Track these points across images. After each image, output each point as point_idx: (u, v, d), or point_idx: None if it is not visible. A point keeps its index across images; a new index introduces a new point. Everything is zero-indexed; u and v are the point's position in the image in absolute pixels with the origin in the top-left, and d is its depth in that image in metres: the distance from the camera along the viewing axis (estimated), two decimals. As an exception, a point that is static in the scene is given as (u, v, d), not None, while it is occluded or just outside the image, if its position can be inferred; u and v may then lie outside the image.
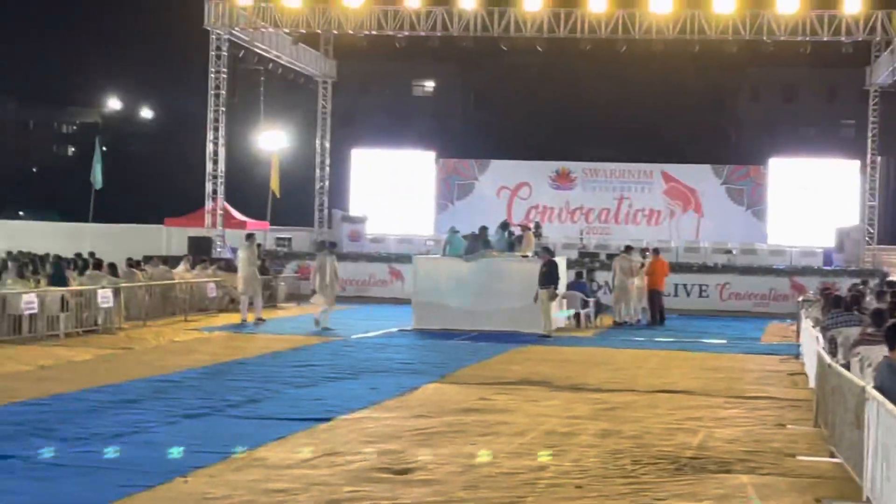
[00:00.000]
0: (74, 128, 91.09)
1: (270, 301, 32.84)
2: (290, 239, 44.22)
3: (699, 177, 47.35)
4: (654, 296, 31.18)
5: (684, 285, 37.49)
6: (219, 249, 41.74)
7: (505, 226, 31.25)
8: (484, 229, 29.10)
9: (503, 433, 13.50)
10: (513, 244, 29.78)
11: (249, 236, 30.38)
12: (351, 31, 41.52)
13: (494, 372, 19.77)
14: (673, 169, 48.07)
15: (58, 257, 29.96)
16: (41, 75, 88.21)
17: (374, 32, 41.08)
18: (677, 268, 35.80)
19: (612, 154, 56.02)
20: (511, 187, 47.95)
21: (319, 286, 26.85)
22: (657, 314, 30.95)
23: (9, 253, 33.61)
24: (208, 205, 43.62)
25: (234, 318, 29.07)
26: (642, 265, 31.38)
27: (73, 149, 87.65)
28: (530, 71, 63.29)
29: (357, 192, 49.08)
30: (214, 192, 43.35)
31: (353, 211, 47.32)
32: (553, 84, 67.44)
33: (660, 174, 47.36)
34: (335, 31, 42.85)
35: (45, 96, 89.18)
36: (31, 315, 22.65)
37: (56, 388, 16.19)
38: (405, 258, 36.39)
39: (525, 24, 39.02)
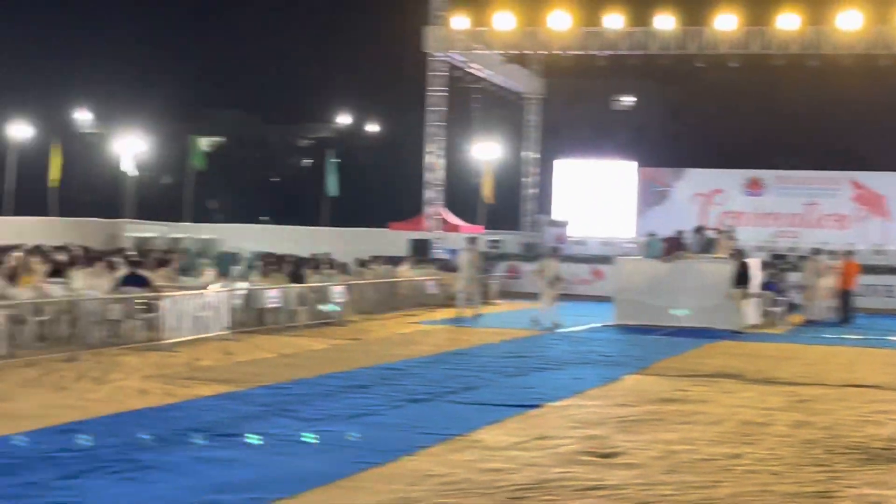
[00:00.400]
0: (310, 142, 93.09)
1: (484, 298, 33.02)
2: (500, 241, 44.49)
3: (888, 184, 45.99)
4: (845, 295, 30.34)
5: (871, 286, 36.31)
6: (437, 250, 42.22)
7: (700, 229, 30.91)
8: (680, 233, 28.98)
9: (700, 422, 13.27)
10: (707, 246, 29.36)
11: (472, 239, 30.72)
12: (558, 52, 41.63)
13: (690, 365, 19.48)
14: (862, 176, 46.77)
15: (296, 257, 30.71)
16: (281, 97, 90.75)
17: (579, 52, 41.11)
18: (865, 269, 34.73)
19: (802, 162, 54.52)
20: (705, 193, 47.41)
21: (543, 286, 26.85)
22: (846, 313, 30.10)
23: (254, 253, 34.61)
24: (427, 210, 44.36)
25: (451, 313, 29.22)
26: (831, 267, 30.61)
27: (308, 161, 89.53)
28: (724, 85, 62.06)
29: (560, 198, 49.21)
30: (433, 198, 44.03)
31: (557, 216, 47.45)
32: (745, 97, 66.23)
33: (847, 182, 46.19)
34: (543, 52, 42.95)
35: (284, 116, 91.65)
36: (273, 308, 23.29)
37: (296, 373, 16.58)
38: (606, 259, 36.23)
39: (719, 42, 38.48)
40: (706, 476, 10.18)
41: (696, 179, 48.33)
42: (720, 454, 11.24)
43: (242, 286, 23.42)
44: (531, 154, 50.68)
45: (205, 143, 62.90)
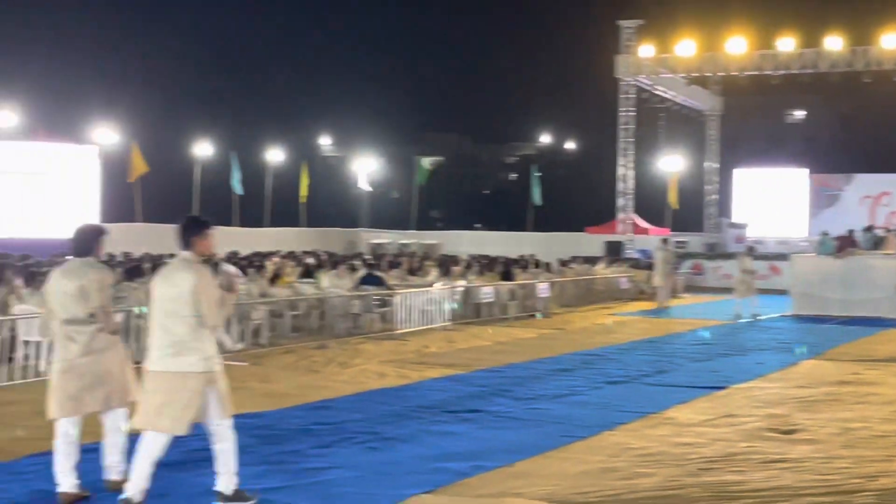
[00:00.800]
0: (515, 159, 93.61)
1: (673, 292, 32.49)
2: (686, 241, 43.93)
3: None
4: None
5: None
6: (628, 251, 41.95)
7: (869, 228, 29.87)
8: (851, 232, 28.07)
9: (874, 402, 12.73)
10: (876, 244, 28.38)
11: (664, 240, 30.37)
12: (735, 73, 40.88)
13: (863, 351, 18.69)
14: None
15: (506, 258, 30.87)
16: (491, 122, 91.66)
17: (754, 73, 40.34)
18: None
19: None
20: (873, 196, 45.58)
21: (740, 280, 26.26)
22: None
23: (471, 256, 34.93)
24: (619, 216, 44.21)
25: (642, 306, 29.00)
26: None
27: (514, 175, 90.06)
28: (890, 97, 59.45)
29: (739, 203, 48.34)
30: (624, 205, 43.84)
31: (736, 218, 46.66)
32: (911, 108, 63.40)
33: None
34: (722, 73, 42.23)
35: (494, 137, 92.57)
36: (488, 303, 23.47)
37: (509, 359, 16.65)
38: (783, 257, 35.28)
39: (885, 59, 37.03)
40: (881, 451, 9.78)
41: (865, 183, 46.51)
42: (894, 431, 10.78)
43: (461, 284, 23.67)
44: (712, 164, 50.13)
45: (427, 162, 63.78)
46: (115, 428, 7.97)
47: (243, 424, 8.05)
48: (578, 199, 65.86)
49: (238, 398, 8.75)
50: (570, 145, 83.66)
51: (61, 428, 7.77)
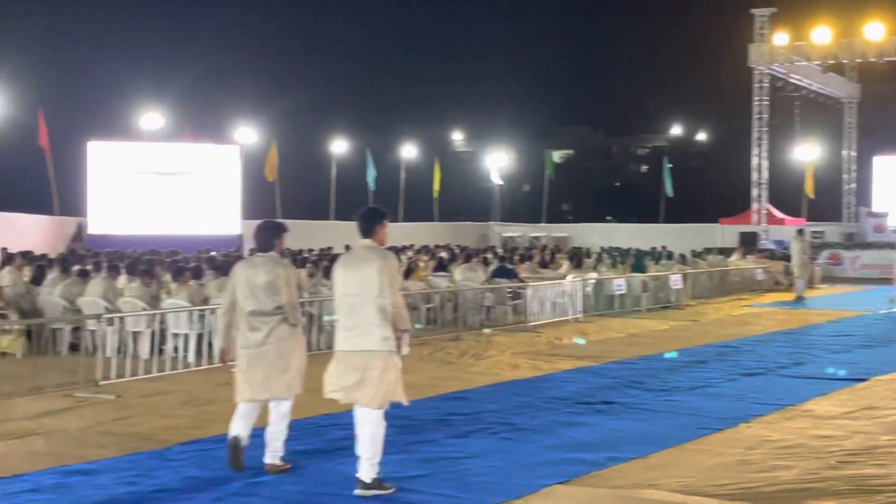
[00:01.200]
0: (646, 151, 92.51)
1: (810, 283, 31.65)
2: (822, 231, 42.78)
3: None
4: None
5: None
6: (763, 241, 41.08)
7: None
8: None
9: None
10: None
11: (800, 231, 29.60)
12: (873, 59, 39.60)
13: None
14: None
15: (638, 250, 30.54)
16: (621, 114, 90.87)
17: (893, 59, 39.03)
18: None
19: None
20: None
21: None
22: None
23: (602, 248, 34.67)
24: (754, 206, 43.33)
25: (778, 297, 28.28)
26: None
27: (645, 167, 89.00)
28: None
29: (879, 191, 46.67)
30: (759, 195, 42.96)
31: (876, 207, 45.08)
32: None
33: None
34: (859, 60, 40.98)
35: (624, 129, 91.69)
36: (620, 295, 23.23)
37: (642, 350, 16.44)
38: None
39: None
40: None
41: None
42: None
43: (593, 276, 23.49)
44: (850, 153, 48.49)
45: (557, 155, 63.63)
46: (283, 415, 8.28)
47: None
48: (711, 190, 64.77)
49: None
50: (702, 136, 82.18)
51: (242, 409, 8.22)
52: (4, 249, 22.89)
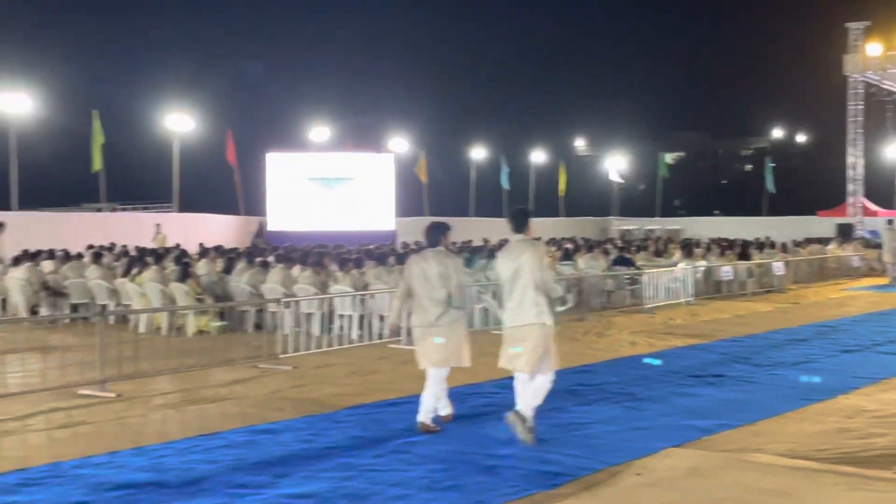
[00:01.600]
0: (750, 152, 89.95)
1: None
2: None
3: None
4: None
5: None
6: (858, 232, 39.55)
7: None
8: None
9: None
10: None
11: (890, 221, 28.33)
12: None
13: None
14: None
15: (743, 240, 29.70)
16: (727, 119, 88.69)
17: None
18: None
19: None
20: None
21: None
22: None
23: (710, 239, 33.86)
24: (849, 199, 41.88)
25: (873, 281, 27.12)
26: None
27: (749, 166, 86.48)
28: None
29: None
30: (854, 190, 41.43)
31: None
32: None
33: None
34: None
35: (730, 132, 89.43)
36: (727, 280, 22.66)
37: (748, 330, 16.00)
38: None
39: None
40: None
41: None
42: None
43: (702, 264, 22.97)
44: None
45: (669, 157, 62.47)
46: (440, 380, 8.54)
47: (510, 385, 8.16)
48: (810, 186, 62.59)
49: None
50: (801, 138, 79.46)
51: (430, 375, 8.51)
52: (201, 244, 23.75)
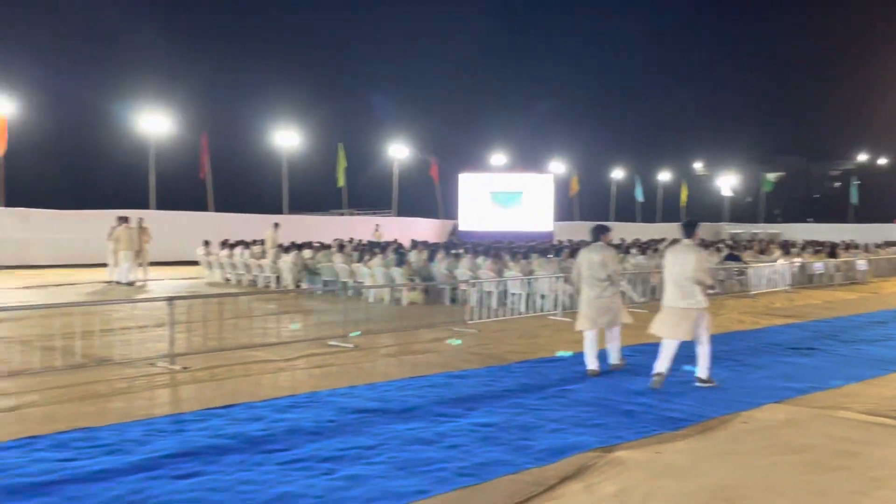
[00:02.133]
0: (838, 172, 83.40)
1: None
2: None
3: None
4: None
5: None
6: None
7: None
8: None
9: None
10: None
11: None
12: None
13: None
14: None
15: (832, 242, 27.56)
16: (818, 144, 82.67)
17: None
18: None
19: None
20: None
21: None
22: None
23: (805, 241, 31.62)
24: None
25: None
26: None
27: (838, 184, 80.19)
28: None
29: None
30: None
31: None
32: None
33: None
34: None
35: (822, 156, 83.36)
36: (819, 274, 21.12)
37: (835, 313, 14.87)
38: None
39: None
40: None
41: None
42: None
43: (798, 260, 21.50)
44: None
45: (771, 176, 58.95)
46: (613, 337, 8.92)
47: (649, 350, 7.95)
48: (888, 200, 57.48)
49: (640, 335, 8.78)
50: (882, 161, 72.91)
51: (587, 335, 8.80)
52: (413, 240, 24.30)
